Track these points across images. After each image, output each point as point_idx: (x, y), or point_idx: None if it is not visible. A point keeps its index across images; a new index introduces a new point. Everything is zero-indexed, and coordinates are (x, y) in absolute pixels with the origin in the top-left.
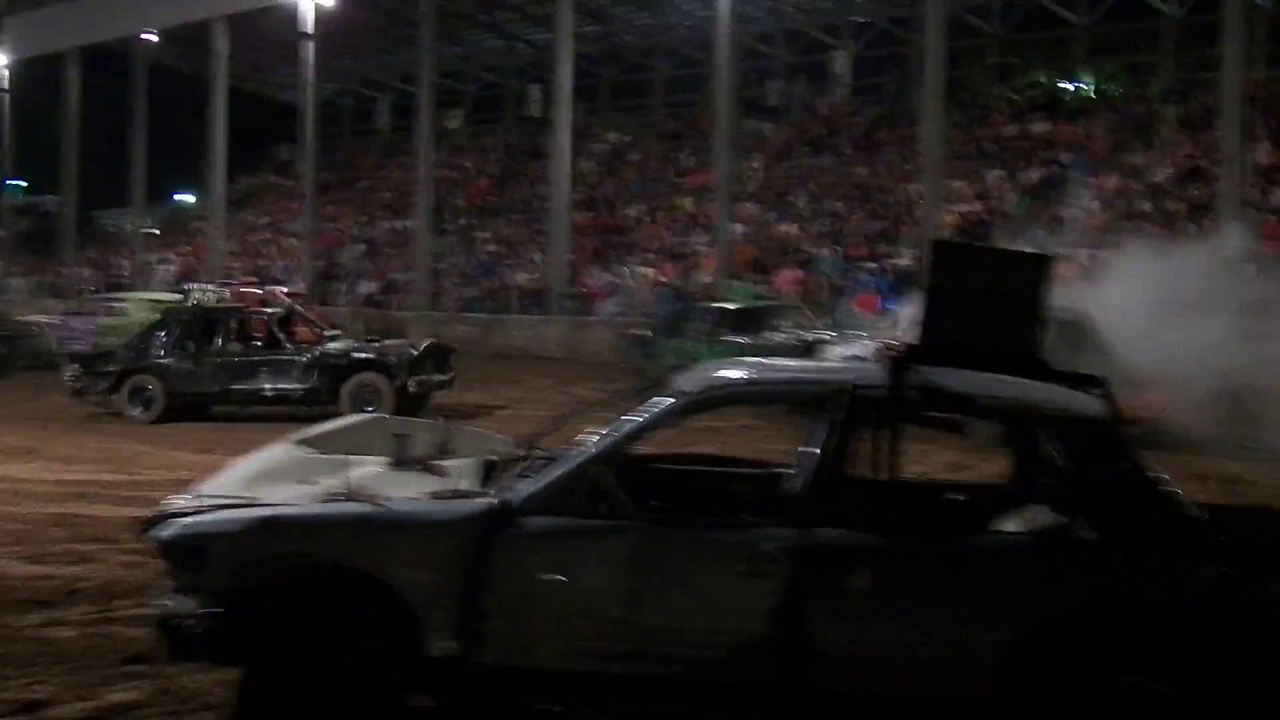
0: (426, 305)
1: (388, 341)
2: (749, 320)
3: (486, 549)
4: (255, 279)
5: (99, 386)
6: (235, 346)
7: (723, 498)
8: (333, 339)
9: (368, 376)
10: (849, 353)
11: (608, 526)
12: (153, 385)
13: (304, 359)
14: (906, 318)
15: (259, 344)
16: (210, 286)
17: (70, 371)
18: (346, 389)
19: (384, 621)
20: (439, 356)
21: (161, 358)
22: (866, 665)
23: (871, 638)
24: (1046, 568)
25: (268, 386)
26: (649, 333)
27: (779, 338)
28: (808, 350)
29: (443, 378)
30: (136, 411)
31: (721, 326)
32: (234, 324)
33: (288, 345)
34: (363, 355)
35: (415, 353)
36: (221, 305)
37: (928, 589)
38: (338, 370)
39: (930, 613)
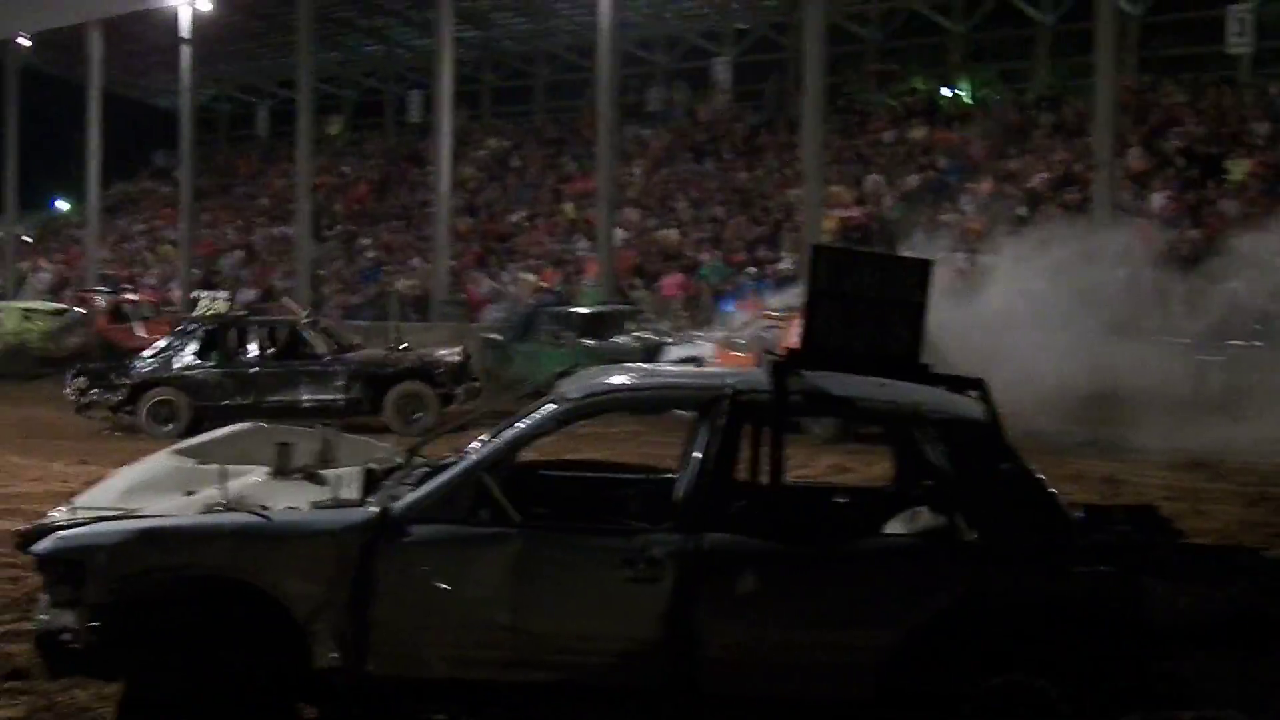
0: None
1: (439, 350)
2: (596, 324)
3: (370, 558)
4: (104, 287)
5: (110, 400)
6: (265, 356)
7: (609, 503)
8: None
9: (412, 386)
10: (685, 354)
11: (492, 534)
12: (176, 399)
13: (344, 368)
14: (743, 322)
15: (288, 353)
16: (221, 294)
17: (74, 384)
18: (390, 399)
19: (268, 633)
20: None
21: (186, 370)
22: (754, 668)
23: (758, 641)
24: (928, 569)
25: (306, 397)
26: (499, 337)
27: (622, 340)
28: (650, 353)
29: (476, 385)
30: (161, 427)
31: (569, 330)
32: (264, 333)
33: (323, 354)
34: (407, 364)
35: (459, 359)
36: (243, 315)
37: (813, 592)
38: (380, 379)
39: (816, 615)
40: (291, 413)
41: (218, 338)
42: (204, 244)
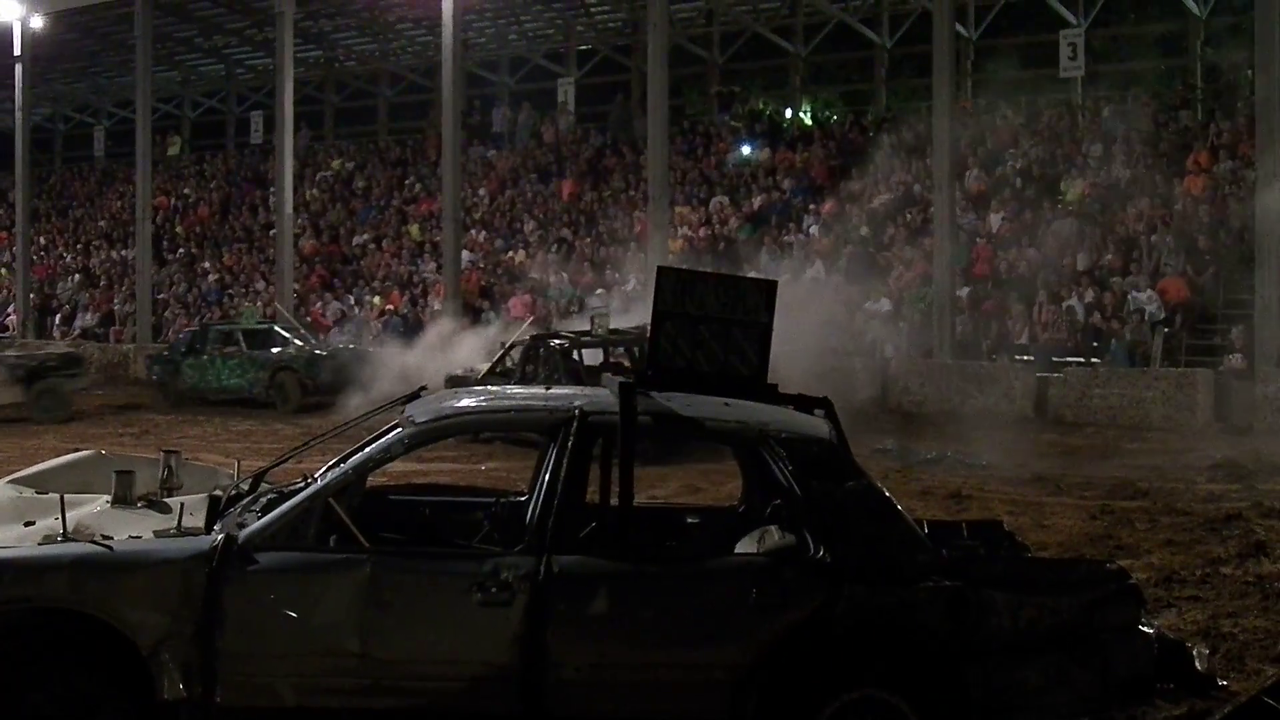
0: (148, 337)
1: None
2: (254, 340)
3: (216, 587)
4: None
5: None
6: None
7: (459, 527)
8: None
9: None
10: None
11: (341, 560)
12: None
13: None
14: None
15: None
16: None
17: None
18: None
19: (111, 666)
20: None
21: None
22: (606, 690)
23: (610, 663)
24: (778, 587)
25: None
26: (166, 352)
27: (275, 351)
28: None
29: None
30: None
31: (230, 345)
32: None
33: None
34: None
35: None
36: None
37: (663, 612)
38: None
39: (667, 636)
40: None
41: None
42: (39, 268)
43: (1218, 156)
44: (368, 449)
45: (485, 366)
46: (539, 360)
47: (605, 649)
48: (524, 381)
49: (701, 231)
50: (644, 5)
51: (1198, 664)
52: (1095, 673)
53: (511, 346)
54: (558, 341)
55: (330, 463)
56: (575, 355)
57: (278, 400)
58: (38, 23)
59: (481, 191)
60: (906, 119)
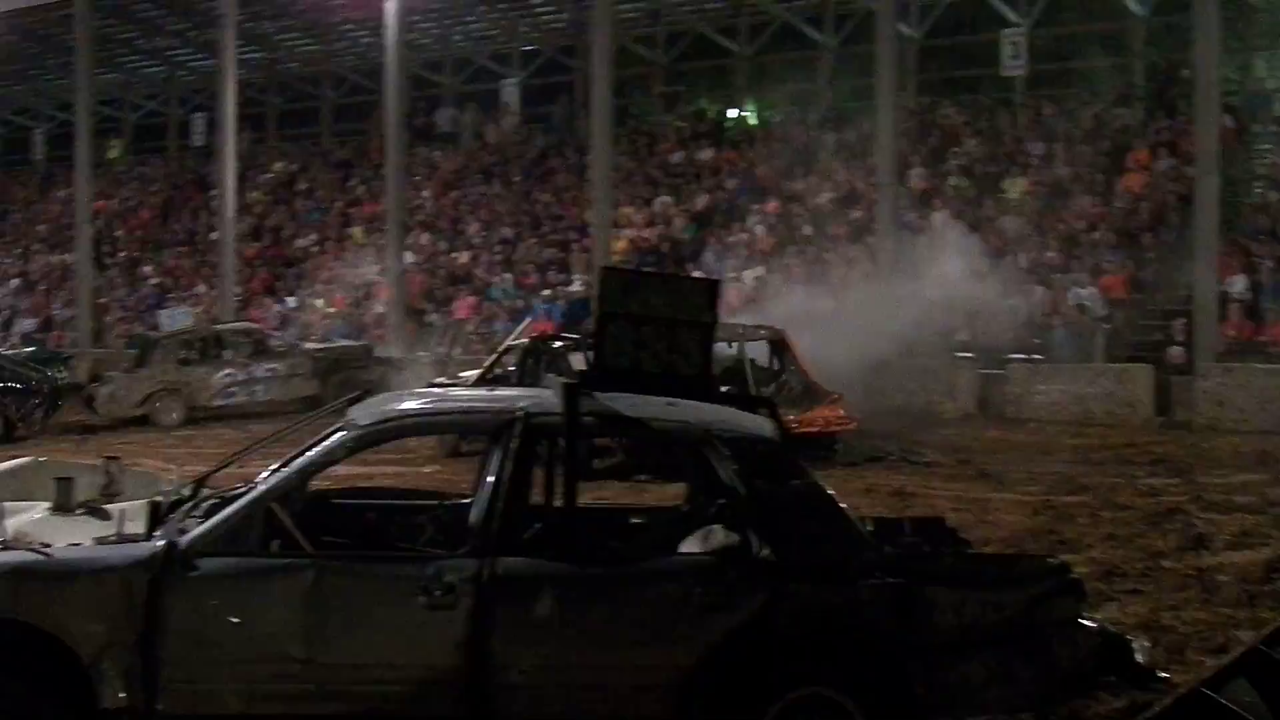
0: (89, 342)
1: None
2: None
3: (156, 594)
4: None
5: None
6: None
7: (403, 530)
8: None
9: None
10: None
11: (282, 565)
12: None
13: None
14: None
15: None
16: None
17: None
18: None
19: (52, 675)
20: None
21: None
22: (551, 693)
23: (555, 665)
24: (723, 587)
25: None
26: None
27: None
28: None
29: None
30: None
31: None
32: None
33: None
34: None
35: None
36: None
37: (608, 614)
38: None
39: (612, 637)
40: None
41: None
42: None
43: (1157, 154)
44: (310, 453)
45: (472, 374)
46: (537, 364)
47: (551, 651)
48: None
49: (646, 231)
50: (589, 6)
51: (1139, 657)
52: (1038, 667)
53: (506, 350)
54: (558, 344)
55: (273, 467)
56: (571, 359)
57: None
58: None
59: (425, 193)
60: (851, 118)
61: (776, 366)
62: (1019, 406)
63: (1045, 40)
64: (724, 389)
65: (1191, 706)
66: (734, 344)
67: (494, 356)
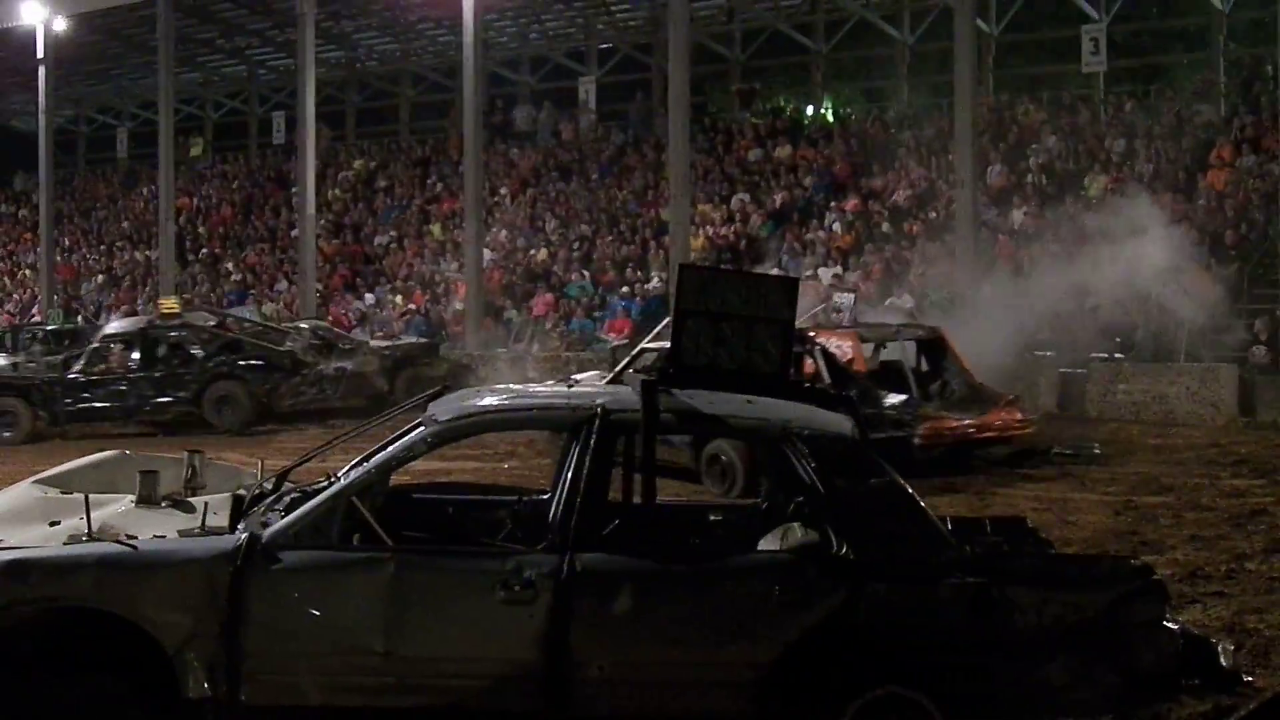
0: None
1: None
2: (60, 338)
3: (240, 586)
4: None
5: None
6: None
7: (482, 525)
8: None
9: None
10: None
11: (365, 558)
12: None
13: None
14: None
15: None
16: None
17: None
18: None
19: (137, 665)
20: None
21: None
22: (630, 689)
23: (634, 661)
24: (802, 584)
25: None
26: None
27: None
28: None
29: None
30: None
31: (35, 343)
32: None
33: None
34: None
35: None
36: None
37: (688, 610)
38: None
39: (691, 634)
40: None
41: None
42: (64, 268)
43: (1241, 150)
44: (390, 448)
45: (588, 375)
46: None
47: (629, 647)
48: None
49: (723, 229)
50: (665, 3)
51: (1222, 660)
52: (1120, 669)
53: (641, 352)
54: None
55: (353, 462)
56: None
57: None
58: (60, 25)
59: (503, 190)
60: (928, 115)
61: (926, 367)
62: (1100, 405)
63: (1125, 36)
64: (809, 385)
65: (1276, 710)
66: (885, 345)
67: (627, 359)
